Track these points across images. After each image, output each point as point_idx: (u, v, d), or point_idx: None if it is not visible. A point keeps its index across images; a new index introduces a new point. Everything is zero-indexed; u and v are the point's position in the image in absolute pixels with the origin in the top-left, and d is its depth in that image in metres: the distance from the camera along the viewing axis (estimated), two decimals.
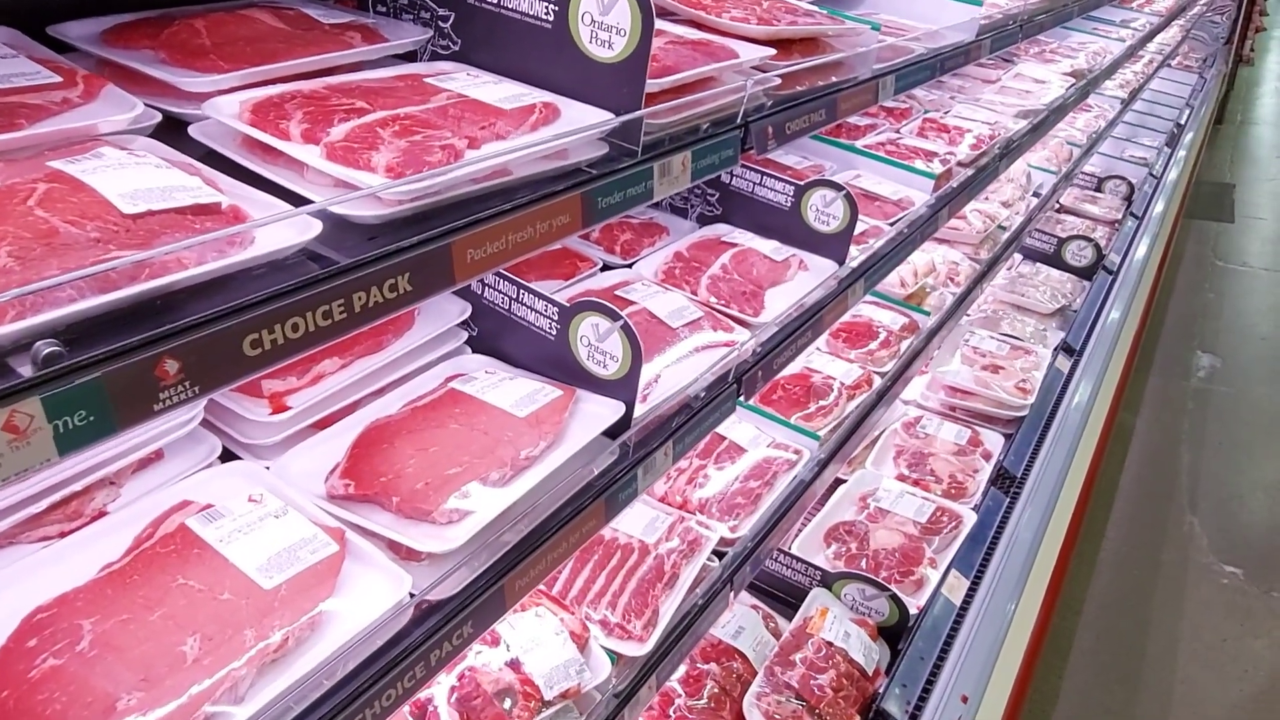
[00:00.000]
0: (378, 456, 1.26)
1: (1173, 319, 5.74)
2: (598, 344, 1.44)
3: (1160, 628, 3.36)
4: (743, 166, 2.20)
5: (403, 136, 1.08)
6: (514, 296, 1.52)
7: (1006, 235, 3.78)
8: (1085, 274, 4.45)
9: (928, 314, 2.98)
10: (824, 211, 2.13)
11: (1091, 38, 5.51)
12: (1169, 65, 8.33)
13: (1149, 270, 4.56)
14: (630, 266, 1.99)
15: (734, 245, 2.12)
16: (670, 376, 1.61)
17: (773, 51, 1.61)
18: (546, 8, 1.30)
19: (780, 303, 1.94)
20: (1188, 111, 7.72)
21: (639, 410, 1.49)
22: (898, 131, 3.14)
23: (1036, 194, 4.44)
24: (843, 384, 2.51)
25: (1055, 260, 4.52)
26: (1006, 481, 2.71)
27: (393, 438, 1.30)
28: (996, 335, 3.41)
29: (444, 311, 1.58)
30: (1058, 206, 5.30)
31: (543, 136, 1.19)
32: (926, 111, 3.42)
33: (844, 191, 2.07)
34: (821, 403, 2.39)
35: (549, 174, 1.21)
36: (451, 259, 1.00)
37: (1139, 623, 3.38)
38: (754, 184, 2.22)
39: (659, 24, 1.64)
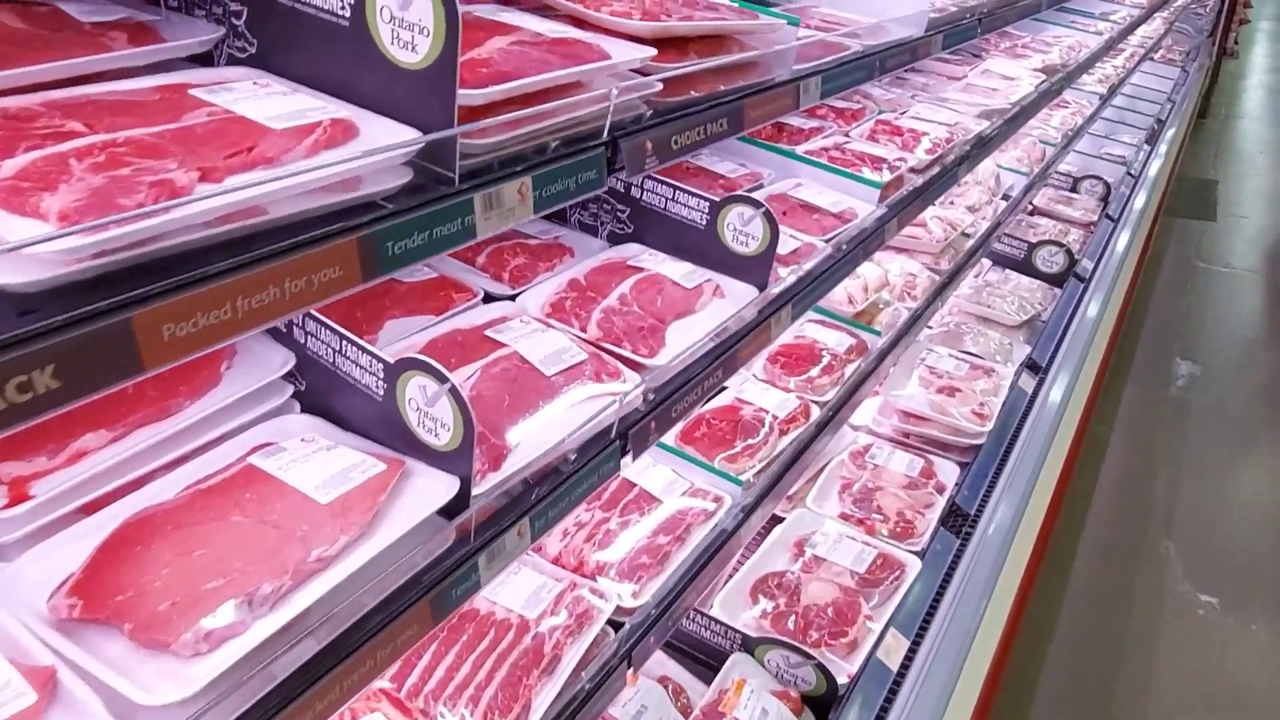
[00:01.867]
0: (125, 564, 1.01)
1: (1152, 324, 5.52)
2: (427, 409, 1.19)
3: (1133, 664, 3.14)
4: (654, 180, 1.96)
5: (102, 170, 0.83)
6: (337, 348, 1.27)
7: (971, 243, 3.55)
8: (1056, 281, 4.22)
9: (878, 334, 2.74)
10: (742, 231, 1.88)
11: (1068, 31, 5.28)
12: (1151, 59, 8.12)
13: (1123, 277, 4.34)
14: (514, 298, 1.74)
15: (640, 270, 1.87)
16: (535, 436, 1.37)
17: (653, 52, 1.36)
18: (342, 1, 1.05)
19: (685, 339, 1.70)
20: (1169, 107, 7.51)
21: (489, 481, 1.26)
22: (846, 135, 2.89)
23: (1007, 196, 4.22)
24: (775, 418, 2.27)
25: (1025, 267, 4.29)
26: (958, 520, 2.47)
27: (151, 537, 1.05)
28: (956, 353, 3.17)
29: (265, 362, 1.34)
30: (1030, 208, 5.07)
31: (312, 164, 0.94)
32: (880, 112, 3.17)
33: (762, 209, 1.83)
34: (749, 441, 2.15)
35: (325, 211, 0.96)
36: (135, 340, 0.75)
37: (1111, 659, 3.16)
38: (666, 199, 1.97)
39: (526, 19, 1.40)
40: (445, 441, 1.19)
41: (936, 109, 3.38)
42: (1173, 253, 6.67)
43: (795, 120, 2.90)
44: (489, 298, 1.76)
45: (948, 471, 2.70)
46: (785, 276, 1.99)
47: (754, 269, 1.91)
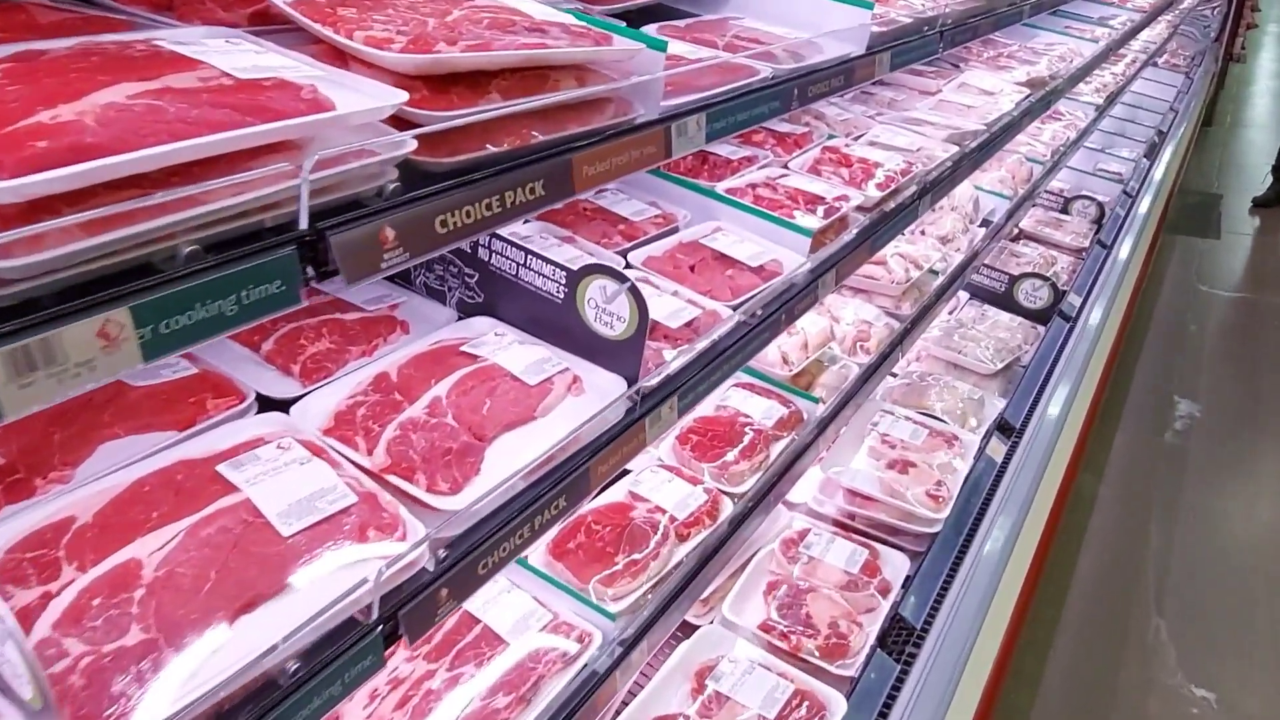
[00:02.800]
0: None
1: (1147, 357, 5.10)
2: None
3: None
4: (501, 240, 1.56)
5: None
6: None
7: (939, 281, 3.14)
8: (1040, 318, 3.81)
9: (816, 401, 2.33)
10: (605, 310, 1.48)
11: (1061, 38, 4.87)
12: (1154, 64, 7.70)
13: (1115, 314, 3.92)
14: (290, 407, 1.34)
15: (474, 360, 1.47)
16: (244, 635, 0.97)
17: (401, 97, 0.96)
18: None
19: (511, 460, 1.30)
20: (1172, 116, 7.08)
21: None
22: (785, 166, 2.49)
23: (988, 222, 3.81)
24: (673, 520, 1.87)
25: (1006, 301, 3.88)
26: (901, 637, 2.07)
27: None
28: (914, 415, 2.76)
29: None
30: (1016, 232, 4.66)
31: None
32: (830, 136, 2.76)
33: (627, 285, 1.43)
34: (634, 556, 1.75)
35: None
36: None
37: None
38: (517, 264, 1.57)
39: (236, 53, 1.00)
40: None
41: (897, 132, 2.97)
42: (1172, 274, 6.24)
43: (724, 148, 2.49)
44: (266, 403, 1.36)
45: (896, 565, 2.30)
46: (670, 360, 1.59)
47: (621, 356, 1.51)
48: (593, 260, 1.55)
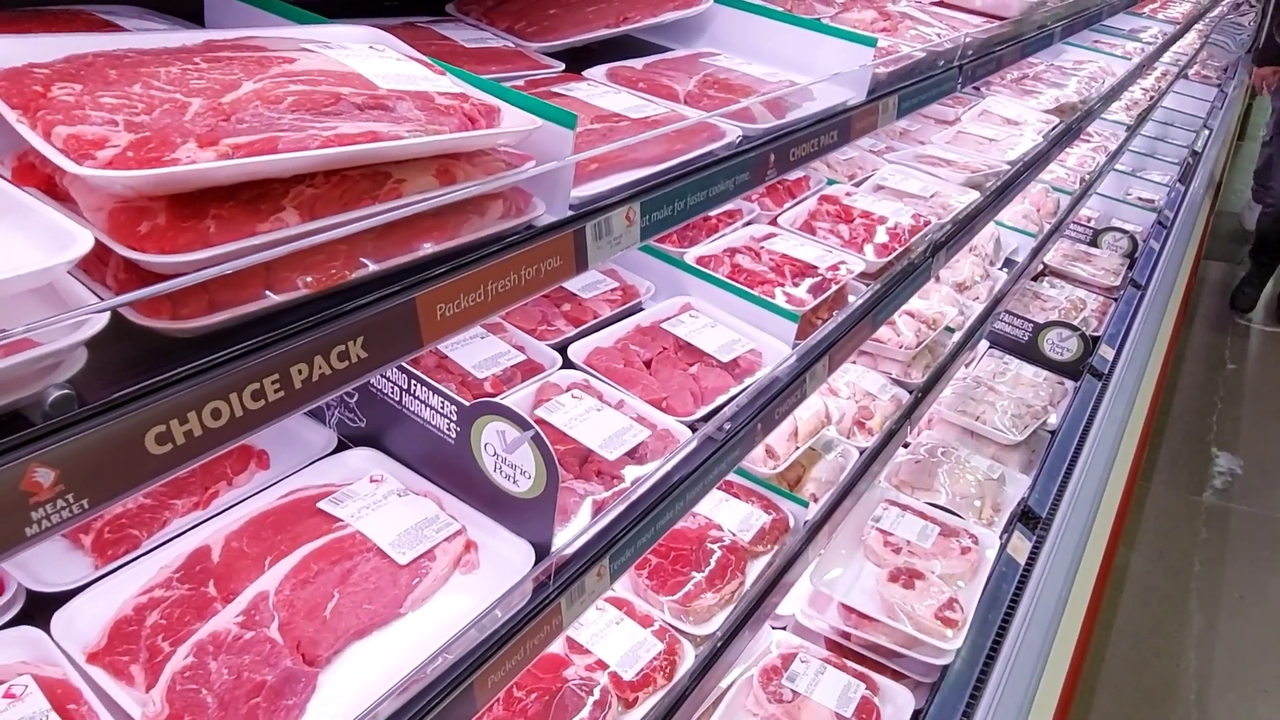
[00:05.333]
0: None
1: (1182, 403, 4.68)
2: None
3: None
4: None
5: None
6: None
7: (956, 337, 2.76)
8: (1068, 371, 3.42)
9: (804, 504, 1.96)
10: (506, 461, 1.12)
11: (1090, 55, 4.48)
12: (1185, 77, 7.28)
13: (1152, 368, 3.52)
14: (64, 608, 0.98)
15: (331, 525, 1.11)
16: None
17: (75, 253, 0.60)
18: None
19: (356, 687, 0.94)
20: (1206, 134, 6.65)
21: None
22: (774, 222, 2.12)
23: (1010, 261, 3.43)
24: (616, 681, 1.50)
25: (1030, 352, 3.49)
26: None
27: None
28: (920, 508, 2.38)
29: None
30: (1041, 268, 4.27)
31: None
32: (829, 183, 2.39)
33: (530, 434, 1.06)
34: None
35: None
36: None
37: None
38: (401, 390, 1.21)
39: None
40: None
41: (908, 174, 2.60)
42: (1206, 306, 5.80)
43: None
44: (36, 601, 1.01)
45: (899, 705, 1.92)
46: (609, 508, 1.23)
47: (527, 518, 1.15)
48: (486, 399, 1.19)
